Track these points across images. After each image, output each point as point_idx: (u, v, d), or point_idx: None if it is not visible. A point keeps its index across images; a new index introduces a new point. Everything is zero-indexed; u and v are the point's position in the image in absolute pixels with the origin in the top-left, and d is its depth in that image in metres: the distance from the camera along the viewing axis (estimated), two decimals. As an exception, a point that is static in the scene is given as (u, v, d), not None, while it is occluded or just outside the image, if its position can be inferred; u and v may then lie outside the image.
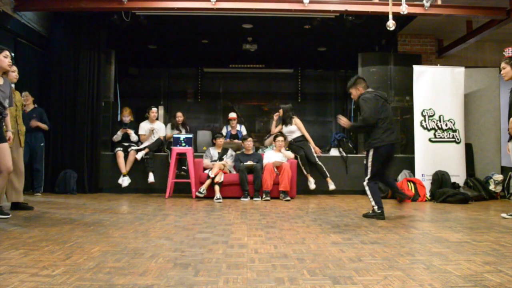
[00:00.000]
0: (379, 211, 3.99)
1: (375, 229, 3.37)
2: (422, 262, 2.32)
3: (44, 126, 5.63)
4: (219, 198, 5.37)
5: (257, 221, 3.78)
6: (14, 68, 4.12)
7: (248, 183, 5.66)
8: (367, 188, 4.07)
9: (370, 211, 4.10)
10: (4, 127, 3.78)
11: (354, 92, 4.22)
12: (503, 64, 4.04)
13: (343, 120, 4.19)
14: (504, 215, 4.10)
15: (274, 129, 6.55)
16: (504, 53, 4.11)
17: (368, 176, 4.03)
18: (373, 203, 4.03)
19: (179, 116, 6.74)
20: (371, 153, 3.99)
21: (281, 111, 6.43)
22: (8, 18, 5.43)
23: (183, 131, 6.70)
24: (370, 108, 3.93)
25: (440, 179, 5.77)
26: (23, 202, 4.29)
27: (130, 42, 8.05)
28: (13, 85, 4.09)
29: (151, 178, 6.11)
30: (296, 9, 5.65)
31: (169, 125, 6.88)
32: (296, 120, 6.31)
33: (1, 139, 3.66)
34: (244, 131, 7.13)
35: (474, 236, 3.10)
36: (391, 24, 4.45)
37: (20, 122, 4.29)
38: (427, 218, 4.22)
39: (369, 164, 4.01)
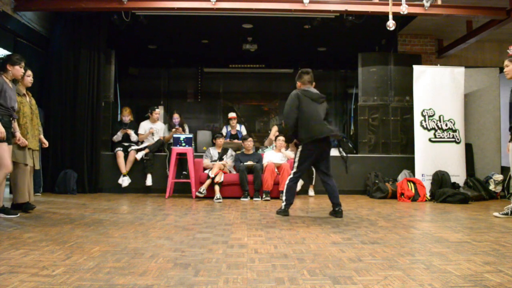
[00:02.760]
0: (283, 207, 4.14)
1: (375, 229, 3.37)
2: (422, 262, 2.32)
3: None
4: (219, 198, 5.38)
5: (257, 221, 3.78)
6: (30, 72, 4.30)
7: (248, 183, 5.66)
8: (286, 184, 4.14)
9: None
10: (12, 129, 3.88)
11: (298, 85, 4.25)
12: (506, 62, 4.05)
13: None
14: (496, 214, 4.13)
15: (273, 136, 6.64)
16: (508, 50, 4.12)
17: (293, 171, 4.11)
18: (283, 198, 4.16)
19: (176, 118, 6.73)
20: (299, 149, 4.07)
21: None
22: (8, 18, 5.43)
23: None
24: (287, 109, 4.06)
25: (440, 179, 5.77)
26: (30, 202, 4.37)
27: (130, 42, 8.05)
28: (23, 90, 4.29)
29: (149, 181, 6.13)
30: (296, 9, 5.65)
31: (166, 126, 6.89)
32: None
33: (8, 139, 3.73)
34: (244, 131, 7.13)
35: (474, 236, 3.10)
36: (391, 24, 4.46)
37: (35, 125, 4.36)
38: (427, 218, 4.22)
39: (296, 159, 4.09)
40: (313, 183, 6.20)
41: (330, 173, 4.12)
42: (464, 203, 5.25)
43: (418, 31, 7.35)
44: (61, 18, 6.40)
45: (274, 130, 6.92)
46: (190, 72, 10.05)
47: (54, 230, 3.20)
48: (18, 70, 3.91)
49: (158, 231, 3.20)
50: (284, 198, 4.14)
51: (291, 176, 4.11)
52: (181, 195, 6.02)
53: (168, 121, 7.23)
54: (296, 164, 4.08)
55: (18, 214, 3.88)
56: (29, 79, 4.29)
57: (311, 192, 6.19)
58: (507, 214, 4.04)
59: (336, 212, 4.07)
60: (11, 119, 3.80)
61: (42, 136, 4.58)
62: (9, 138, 3.76)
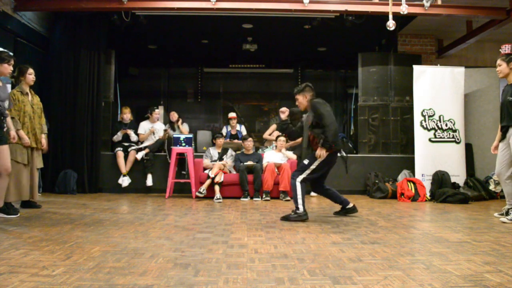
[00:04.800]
0: (302, 211, 3.84)
1: (375, 229, 3.37)
2: (422, 262, 2.32)
3: None
4: (219, 198, 5.37)
5: (257, 221, 3.78)
6: (31, 70, 4.31)
7: (248, 183, 5.66)
8: (299, 186, 3.84)
9: (292, 213, 3.87)
10: (6, 128, 3.84)
11: (301, 99, 4.06)
12: (499, 61, 4.02)
13: (319, 153, 3.84)
14: (496, 214, 4.13)
15: (266, 135, 6.71)
16: (500, 50, 4.07)
17: (304, 176, 3.85)
18: (300, 201, 3.82)
19: (172, 115, 6.81)
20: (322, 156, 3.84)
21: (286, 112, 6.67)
22: (8, 18, 5.43)
23: (177, 130, 6.71)
24: (329, 111, 3.85)
25: (440, 179, 5.77)
26: (33, 200, 4.46)
27: (130, 42, 8.05)
28: (24, 88, 4.30)
29: (149, 181, 6.13)
30: (296, 9, 5.65)
31: (167, 125, 6.92)
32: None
33: (1, 141, 3.69)
34: (244, 131, 7.13)
35: (474, 236, 3.10)
36: (391, 24, 4.46)
37: (37, 124, 4.37)
38: (427, 218, 4.22)
39: (315, 164, 3.83)
40: None
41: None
42: (464, 203, 5.24)
43: (418, 31, 7.35)
44: (61, 18, 6.40)
45: (272, 129, 6.95)
46: (190, 72, 10.05)
47: (54, 230, 3.20)
48: (6, 68, 3.83)
49: (158, 231, 3.20)
50: (299, 202, 3.80)
51: (299, 179, 3.84)
52: (181, 195, 6.02)
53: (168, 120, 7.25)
54: (310, 168, 3.83)
55: (18, 214, 3.88)
56: (31, 77, 4.30)
57: (313, 192, 6.17)
58: (502, 214, 4.02)
59: (353, 209, 4.07)
60: (1, 117, 3.72)
61: (43, 139, 4.49)
62: (3, 138, 3.72)
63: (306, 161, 3.91)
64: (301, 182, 3.86)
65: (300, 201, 3.81)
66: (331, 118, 3.85)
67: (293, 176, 3.94)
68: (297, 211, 3.81)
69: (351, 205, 4.12)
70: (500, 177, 3.98)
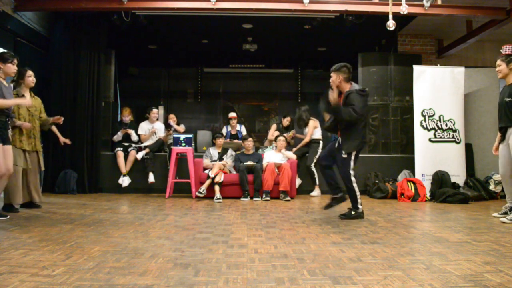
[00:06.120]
0: (361, 209, 3.94)
1: (375, 229, 3.37)
2: (422, 262, 2.32)
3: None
4: (219, 198, 5.37)
5: (257, 221, 3.78)
6: (30, 72, 4.30)
7: (248, 183, 5.66)
8: (355, 184, 3.88)
9: (352, 211, 3.92)
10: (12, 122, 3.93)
11: (334, 78, 4.05)
12: (498, 61, 4.03)
13: (332, 96, 3.83)
14: (496, 214, 4.13)
15: (271, 136, 6.70)
16: (501, 50, 4.06)
17: (353, 177, 3.87)
18: (359, 200, 3.92)
19: (172, 118, 6.84)
20: (354, 152, 3.88)
21: (288, 118, 6.81)
22: (8, 18, 5.42)
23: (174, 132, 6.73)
24: (361, 106, 3.79)
25: (440, 179, 5.77)
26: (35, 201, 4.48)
27: (130, 42, 8.05)
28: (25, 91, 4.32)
29: (151, 178, 6.12)
30: (296, 9, 5.65)
31: (172, 128, 6.93)
32: (309, 122, 6.39)
33: (5, 141, 3.71)
34: (244, 131, 7.13)
35: (474, 236, 3.10)
36: (391, 24, 4.46)
37: (36, 127, 4.38)
38: (427, 218, 4.22)
39: (351, 162, 3.87)
40: (318, 183, 6.19)
41: None
42: (464, 203, 5.24)
43: (418, 31, 7.35)
44: (61, 18, 6.40)
45: (273, 129, 6.93)
46: (190, 72, 10.05)
47: (54, 230, 3.20)
48: (10, 67, 3.83)
49: (158, 231, 3.20)
50: (358, 199, 3.90)
51: (353, 178, 3.85)
52: (181, 195, 6.02)
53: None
54: (352, 168, 3.86)
55: (8, 216, 3.79)
56: (30, 79, 4.27)
57: (314, 192, 6.17)
58: (505, 213, 4.02)
59: (341, 198, 4.02)
60: (7, 119, 3.75)
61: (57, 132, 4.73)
62: (5, 138, 3.72)
63: (345, 155, 3.88)
64: (353, 182, 3.87)
65: (358, 197, 3.90)
66: (357, 110, 3.75)
67: (346, 176, 3.88)
68: (358, 210, 3.91)
69: (340, 194, 4.02)
70: (504, 178, 4.00)
